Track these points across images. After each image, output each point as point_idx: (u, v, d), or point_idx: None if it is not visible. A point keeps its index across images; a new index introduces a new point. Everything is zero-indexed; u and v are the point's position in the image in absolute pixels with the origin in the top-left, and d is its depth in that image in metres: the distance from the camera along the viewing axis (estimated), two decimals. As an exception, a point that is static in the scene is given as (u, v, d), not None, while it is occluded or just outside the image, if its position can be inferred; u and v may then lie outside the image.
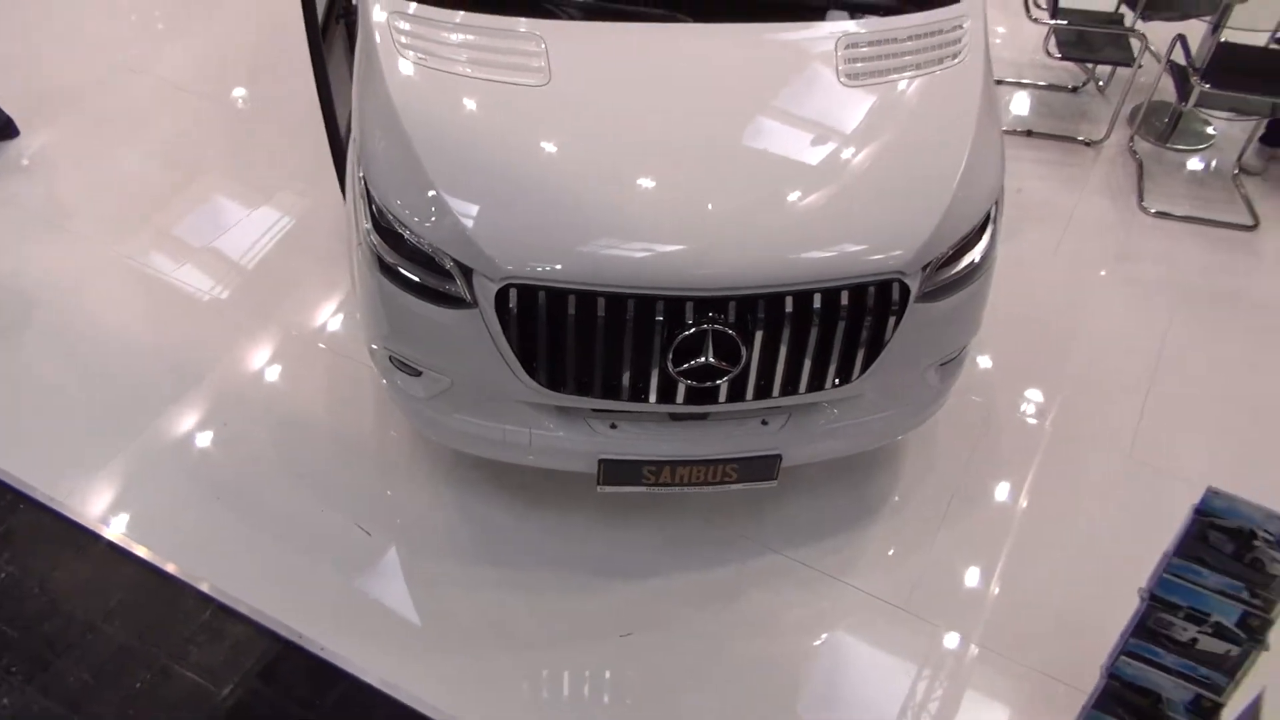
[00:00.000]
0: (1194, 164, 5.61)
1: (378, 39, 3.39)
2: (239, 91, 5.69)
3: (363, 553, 3.68)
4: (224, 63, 5.85)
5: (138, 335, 4.36)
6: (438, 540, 3.74)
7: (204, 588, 3.55)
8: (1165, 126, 5.69)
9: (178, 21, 6.19)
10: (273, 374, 4.26)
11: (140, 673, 3.34)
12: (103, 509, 3.76)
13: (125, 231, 4.82)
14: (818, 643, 3.55)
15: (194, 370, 4.23)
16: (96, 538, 3.68)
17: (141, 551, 3.64)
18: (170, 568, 3.60)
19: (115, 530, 3.70)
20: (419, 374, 3.36)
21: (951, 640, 3.56)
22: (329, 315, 4.50)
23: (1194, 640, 2.63)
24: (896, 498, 3.96)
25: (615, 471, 3.38)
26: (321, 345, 4.38)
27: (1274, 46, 5.41)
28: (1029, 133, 5.67)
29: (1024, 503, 3.97)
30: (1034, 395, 4.35)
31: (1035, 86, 6.01)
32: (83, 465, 3.89)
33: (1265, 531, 2.40)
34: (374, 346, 3.50)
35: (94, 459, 3.91)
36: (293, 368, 4.28)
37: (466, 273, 3.07)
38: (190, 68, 5.81)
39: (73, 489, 3.81)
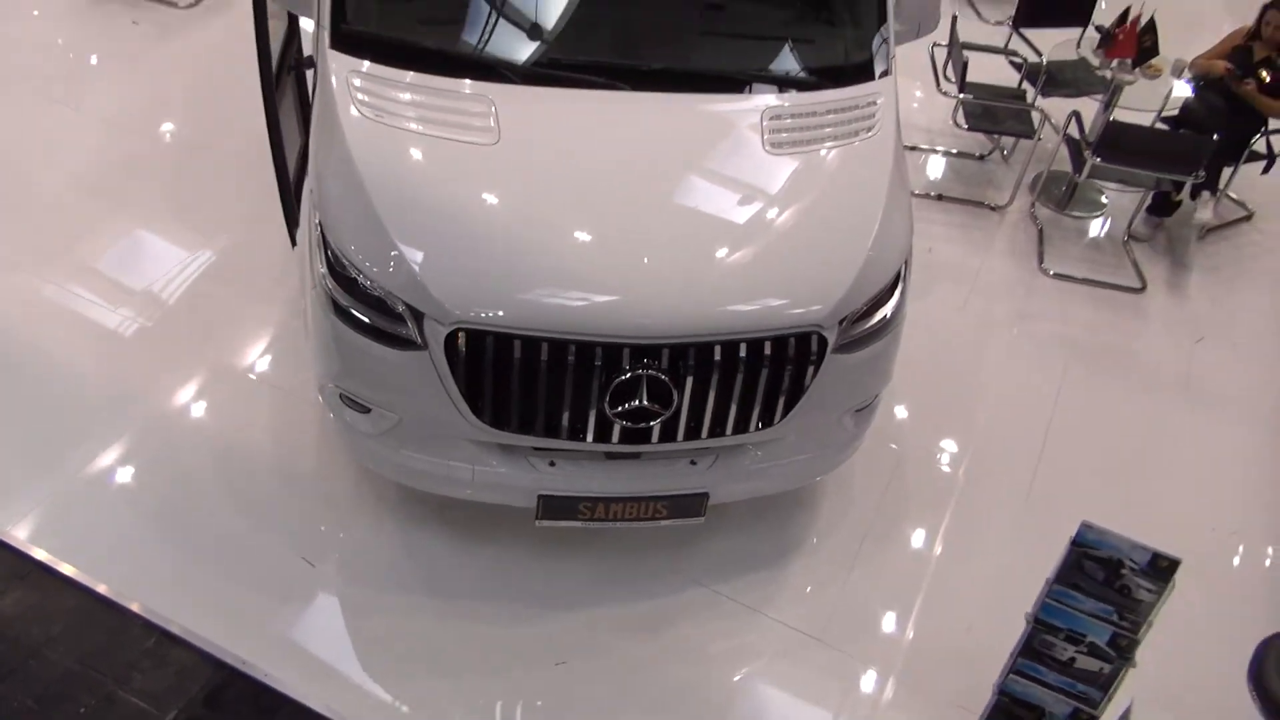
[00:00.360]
0: (1089, 229, 6.07)
1: (336, 94, 3.59)
2: (168, 127, 5.78)
3: (306, 583, 3.82)
4: (163, 103, 5.93)
5: (80, 372, 4.43)
6: (380, 571, 3.89)
7: (148, 615, 3.64)
8: (1063, 194, 6.15)
9: (115, 61, 6.28)
10: (217, 409, 4.38)
11: (84, 698, 3.42)
12: (47, 539, 3.83)
13: (60, 266, 4.87)
14: (741, 671, 3.78)
15: (138, 407, 4.33)
16: (41, 566, 3.75)
17: (87, 580, 3.72)
18: (115, 595, 3.69)
19: (60, 559, 3.77)
20: (368, 411, 3.54)
21: (864, 669, 3.81)
22: (275, 352, 4.63)
23: (1072, 659, 2.94)
24: (814, 538, 4.22)
25: (553, 507, 3.59)
26: (263, 381, 4.51)
27: (1159, 126, 5.91)
28: (939, 197, 6.07)
29: (931, 541, 4.27)
30: (943, 442, 4.67)
31: (946, 154, 6.44)
32: (28, 496, 3.96)
33: (1131, 560, 2.72)
34: (325, 384, 3.66)
35: (39, 490, 3.98)
36: (236, 403, 4.40)
37: (418, 316, 3.28)
38: (125, 105, 5.87)
39: (18, 519, 3.88)
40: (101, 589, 3.69)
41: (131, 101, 5.91)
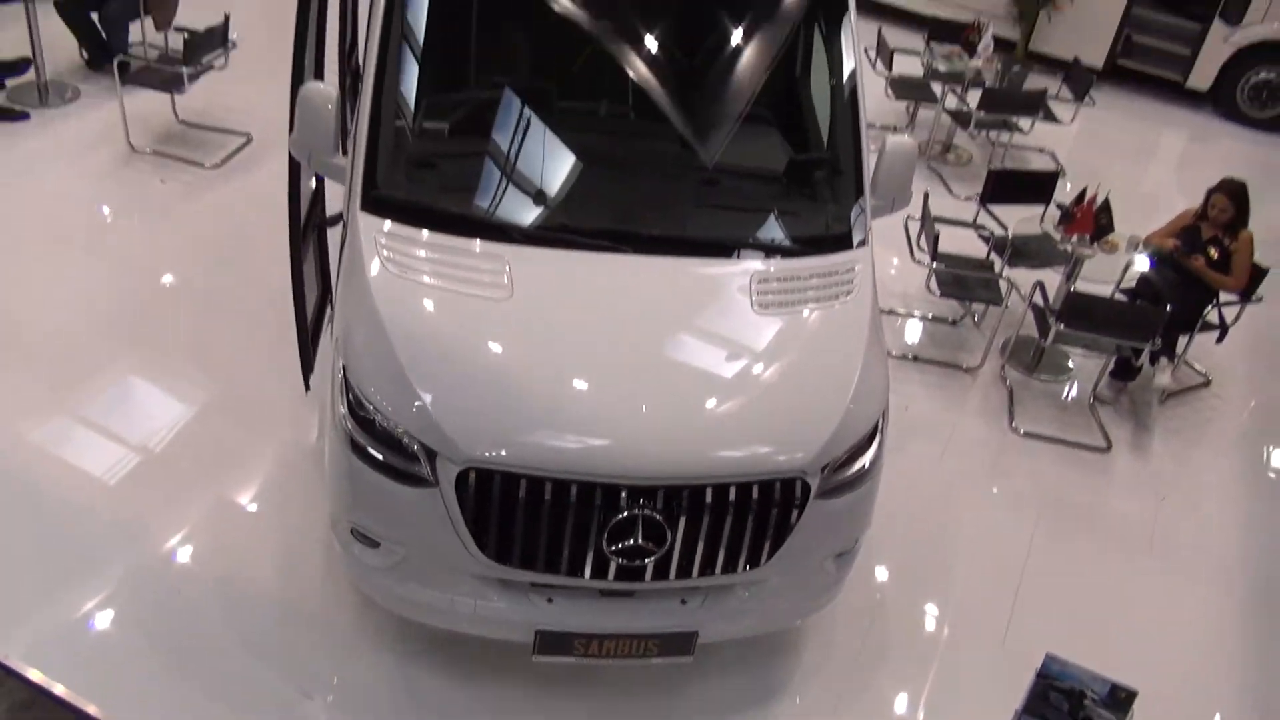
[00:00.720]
0: (1057, 391, 6.40)
1: (364, 251, 3.90)
2: (186, 279, 6.07)
3: (304, 716, 3.91)
4: (182, 257, 6.25)
5: (85, 505, 4.59)
6: (378, 706, 3.99)
7: (150, 745, 3.73)
8: (1031, 358, 6.51)
9: (141, 217, 6.66)
10: (218, 543, 4.52)
11: (83, 827, 3.48)
12: (48, 666, 3.92)
13: (71, 404, 5.09)
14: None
15: (141, 540, 4.47)
16: (46, 694, 3.83)
17: (90, 708, 3.80)
18: (117, 724, 3.78)
19: (60, 685, 3.86)
20: (377, 545, 3.73)
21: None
22: (277, 489, 4.81)
23: (1043, 790, 3.08)
24: (799, 679, 4.35)
25: (550, 642, 3.74)
26: (264, 516, 4.68)
27: (1118, 297, 6.34)
28: (915, 358, 6.43)
29: (910, 687, 4.41)
30: (920, 590, 4.85)
31: (921, 318, 6.83)
32: (33, 626, 4.07)
33: (1092, 691, 2.91)
34: (339, 519, 3.86)
35: (43, 620, 4.10)
36: (237, 537, 4.56)
37: (431, 455, 3.52)
38: (146, 258, 6.19)
39: (23, 647, 3.98)
40: (92, 709, 3.77)
41: (152, 255, 6.24)
